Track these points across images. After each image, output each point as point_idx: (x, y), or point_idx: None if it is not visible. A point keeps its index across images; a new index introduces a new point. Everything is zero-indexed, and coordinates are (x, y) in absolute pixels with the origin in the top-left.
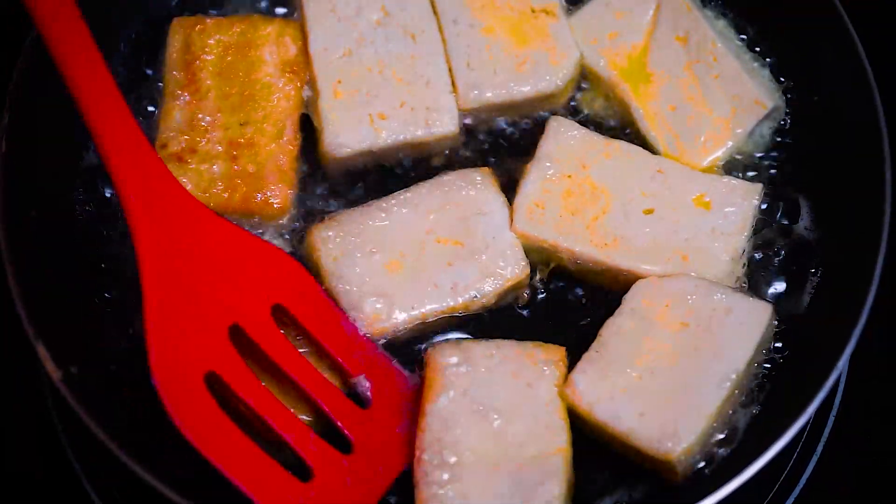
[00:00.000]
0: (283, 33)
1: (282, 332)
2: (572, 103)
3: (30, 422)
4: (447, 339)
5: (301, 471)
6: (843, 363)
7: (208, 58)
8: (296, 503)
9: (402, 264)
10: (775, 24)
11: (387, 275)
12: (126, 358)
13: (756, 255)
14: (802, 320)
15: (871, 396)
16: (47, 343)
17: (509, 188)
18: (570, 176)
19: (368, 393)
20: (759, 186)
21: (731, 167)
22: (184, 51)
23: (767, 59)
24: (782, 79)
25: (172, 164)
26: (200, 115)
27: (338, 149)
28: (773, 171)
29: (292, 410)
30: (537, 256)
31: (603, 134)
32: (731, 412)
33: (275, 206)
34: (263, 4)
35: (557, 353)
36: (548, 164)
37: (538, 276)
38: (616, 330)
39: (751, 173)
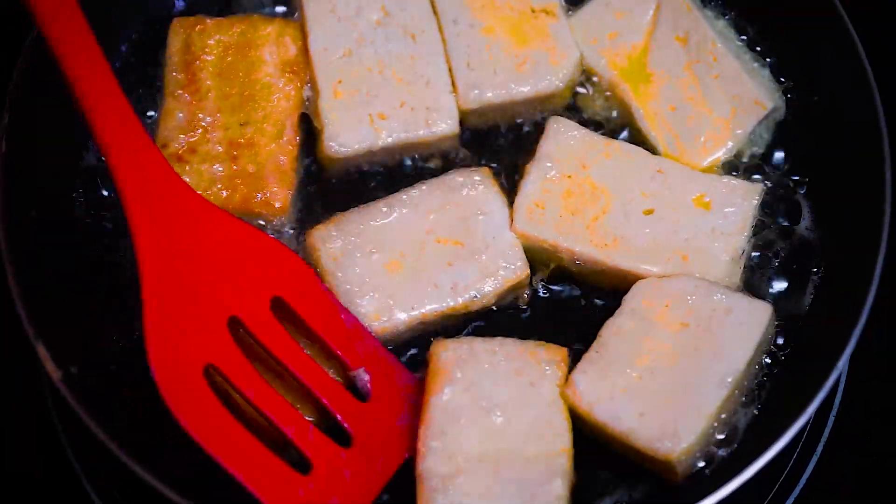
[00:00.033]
0: (283, 33)
1: (281, 325)
2: (572, 103)
3: (30, 422)
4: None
5: (300, 465)
6: (843, 363)
7: (208, 58)
8: (295, 495)
9: (402, 264)
10: (775, 24)
11: (387, 275)
12: (126, 358)
13: (756, 255)
14: (803, 320)
15: (871, 396)
16: (47, 343)
17: (509, 188)
18: (570, 176)
19: (368, 386)
20: (759, 186)
21: (731, 167)
22: (184, 51)
23: (767, 60)
24: (782, 79)
25: (172, 164)
26: (200, 116)
27: (338, 149)
28: (773, 171)
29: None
30: (537, 257)
31: (603, 134)
32: (731, 412)
33: (275, 206)
34: (263, 4)
35: (559, 353)
36: (548, 165)
37: (538, 277)
38: (616, 330)
39: (751, 173)
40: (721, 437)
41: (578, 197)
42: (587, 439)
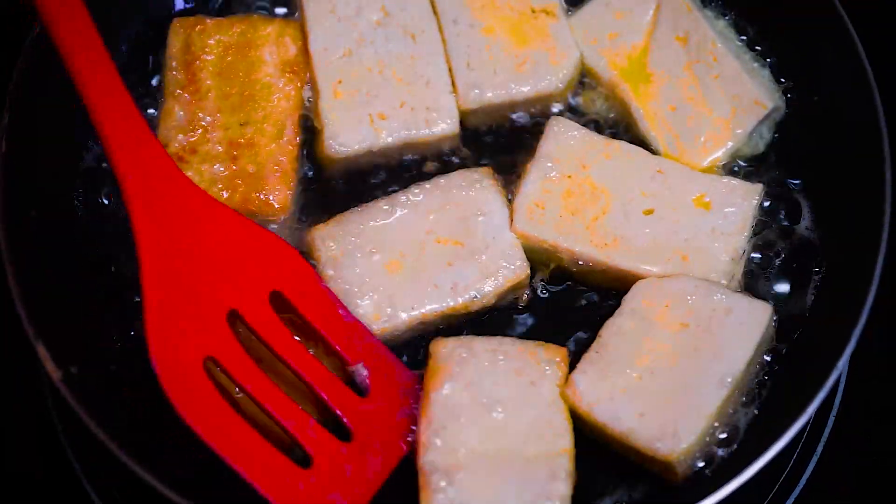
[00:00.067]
0: (283, 33)
1: (279, 319)
2: (572, 103)
3: (30, 422)
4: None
5: (301, 462)
6: (843, 363)
7: (208, 58)
8: (295, 489)
9: (402, 264)
10: (775, 24)
11: (387, 275)
12: (126, 358)
13: (756, 255)
14: (803, 320)
15: (871, 396)
16: (47, 343)
17: (509, 188)
18: (570, 176)
19: (367, 381)
20: (759, 187)
21: (732, 167)
22: (184, 51)
23: (767, 60)
24: (782, 79)
25: None
26: (200, 115)
27: (338, 149)
28: (773, 171)
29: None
30: (537, 257)
31: (603, 134)
32: (731, 412)
33: (275, 206)
34: (263, 4)
35: (559, 353)
36: (548, 165)
37: (538, 277)
38: (616, 330)
39: (751, 173)
40: (721, 437)
41: (578, 197)
42: (587, 439)
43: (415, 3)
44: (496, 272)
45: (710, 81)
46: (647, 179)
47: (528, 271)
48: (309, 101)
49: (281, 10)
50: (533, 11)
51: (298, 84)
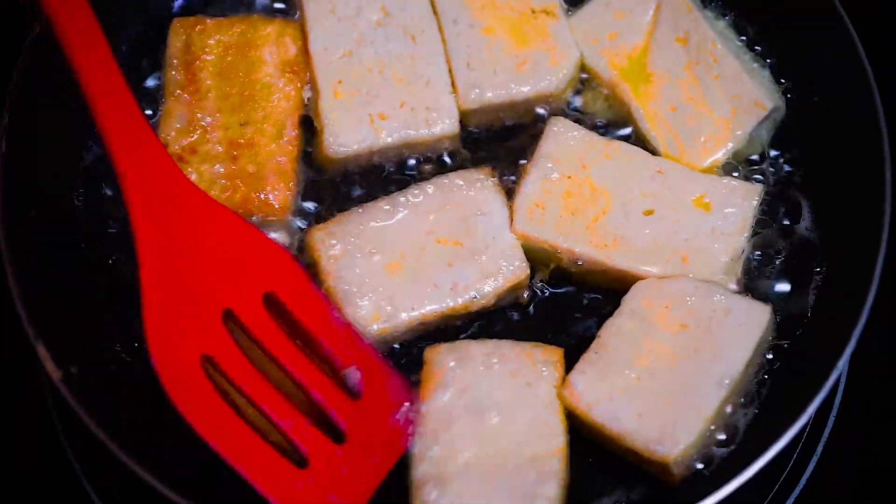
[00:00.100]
0: (283, 33)
1: (273, 319)
2: (572, 103)
3: (30, 422)
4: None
5: (298, 463)
6: (843, 363)
7: (208, 58)
8: (293, 488)
9: (402, 265)
10: (775, 24)
11: (386, 275)
12: (126, 358)
13: (756, 255)
14: (803, 320)
15: (871, 396)
16: (47, 343)
17: (509, 188)
18: (570, 176)
19: (359, 384)
20: (759, 187)
21: (731, 168)
22: (184, 51)
23: (767, 60)
24: (782, 79)
25: None
26: (200, 116)
27: (338, 149)
28: (773, 171)
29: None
30: (537, 257)
31: (603, 134)
32: (729, 412)
33: (275, 206)
34: (263, 5)
35: (555, 353)
36: (548, 165)
37: (538, 277)
38: (615, 331)
39: (751, 174)
40: (721, 437)
41: (578, 197)
42: (585, 440)
43: (415, 4)
44: (496, 272)
45: (710, 82)
46: (647, 180)
47: (528, 271)
48: (309, 101)
49: (281, 11)
50: (533, 11)
51: (298, 84)
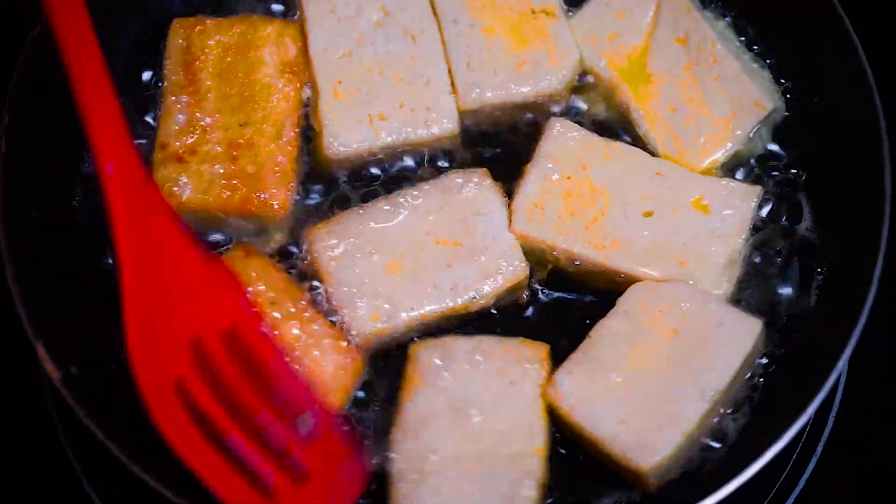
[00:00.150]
0: (282, 34)
1: (234, 355)
2: (572, 104)
3: (30, 422)
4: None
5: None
6: (843, 363)
7: (208, 58)
8: None
9: (402, 265)
10: (775, 25)
11: (386, 276)
12: (126, 358)
13: (756, 256)
14: (802, 320)
15: (871, 397)
16: (47, 343)
17: (509, 189)
18: (569, 177)
19: (313, 431)
20: (758, 189)
21: (731, 168)
22: (184, 51)
23: (767, 61)
24: (782, 80)
25: (172, 164)
26: (200, 116)
27: (337, 149)
28: (773, 172)
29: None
30: (536, 257)
31: (603, 135)
32: (717, 421)
33: (274, 206)
34: (263, 5)
35: (541, 350)
36: (548, 165)
37: (537, 277)
38: (607, 332)
39: (751, 174)
40: (714, 444)
41: (578, 198)
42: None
43: (415, 4)
44: (495, 273)
45: (710, 82)
46: (647, 181)
47: (528, 272)
48: (308, 101)
49: (281, 11)
50: (533, 12)
51: (298, 84)
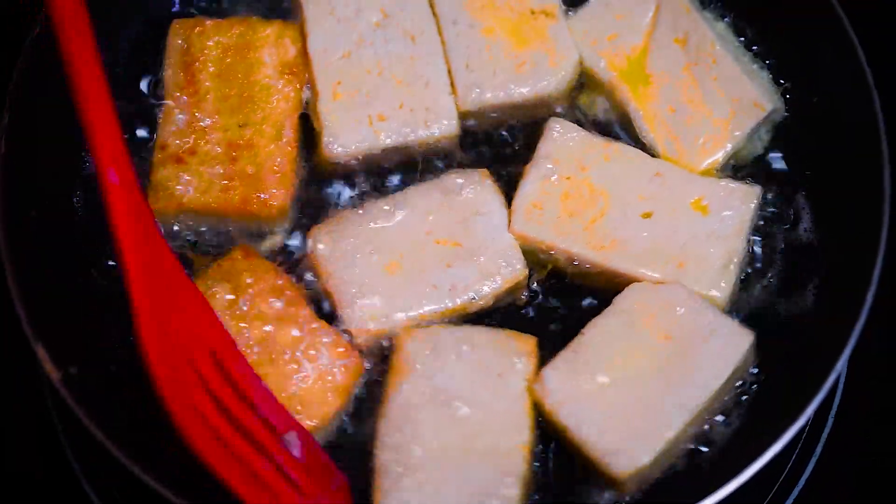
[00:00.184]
0: (282, 35)
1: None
2: (571, 105)
3: (30, 422)
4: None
5: None
6: (842, 364)
7: (208, 59)
8: None
9: (401, 265)
10: (774, 25)
11: (385, 276)
12: (126, 358)
13: (756, 256)
14: (802, 321)
15: (870, 397)
16: (47, 344)
17: (508, 189)
18: (569, 178)
19: (300, 451)
20: (757, 190)
21: (731, 169)
22: (183, 52)
23: (767, 61)
24: (782, 80)
25: (172, 165)
26: (200, 117)
27: (337, 150)
28: (772, 172)
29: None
30: (535, 258)
31: (602, 136)
32: (707, 428)
33: (273, 207)
34: (263, 6)
35: (528, 343)
36: (547, 166)
37: (535, 278)
38: (599, 331)
39: (750, 175)
40: (720, 438)
41: (577, 199)
42: None
43: (414, 5)
44: (495, 273)
45: (710, 83)
46: (646, 182)
47: (527, 272)
48: (308, 102)
49: (280, 12)
50: (532, 13)
51: (297, 85)
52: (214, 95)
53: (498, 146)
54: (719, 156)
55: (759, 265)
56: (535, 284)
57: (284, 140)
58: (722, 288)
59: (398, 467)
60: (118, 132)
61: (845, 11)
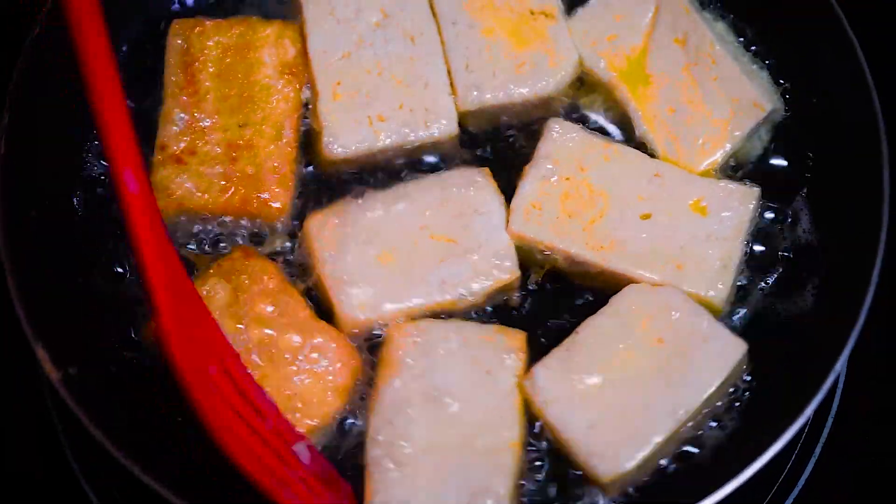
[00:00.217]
0: (282, 35)
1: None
2: (571, 105)
3: (30, 422)
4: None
5: None
6: (841, 364)
7: (207, 60)
8: None
9: (394, 257)
10: (774, 26)
11: (378, 266)
12: (126, 358)
13: (755, 257)
14: (801, 321)
15: (869, 397)
16: (46, 344)
17: (508, 190)
18: (568, 178)
19: (309, 461)
20: (756, 190)
21: (730, 169)
22: (183, 52)
23: (766, 61)
24: (781, 81)
25: (171, 165)
26: (199, 117)
27: (336, 150)
28: (771, 172)
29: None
30: (533, 258)
31: (602, 136)
32: (682, 439)
33: (273, 207)
34: (263, 6)
35: (518, 339)
36: (547, 166)
37: (533, 279)
38: (593, 330)
39: (749, 175)
40: (719, 438)
41: (576, 199)
42: None
43: (414, 5)
44: (487, 272)
45: (709, 83)
46: (645, 182)
47: (519, 273)
48: (308, 102)
49: (280, 13)
50: (532, 13)
51: (297, 86)
52: (214, 95)
53: (497, 146)
54: (719, 156)
55: (758, 266)
56: (533, 284)
57: (284, 140)
58: (720, 289)
59: (389, 463)
60: (135, 142)
61: (845, 11)
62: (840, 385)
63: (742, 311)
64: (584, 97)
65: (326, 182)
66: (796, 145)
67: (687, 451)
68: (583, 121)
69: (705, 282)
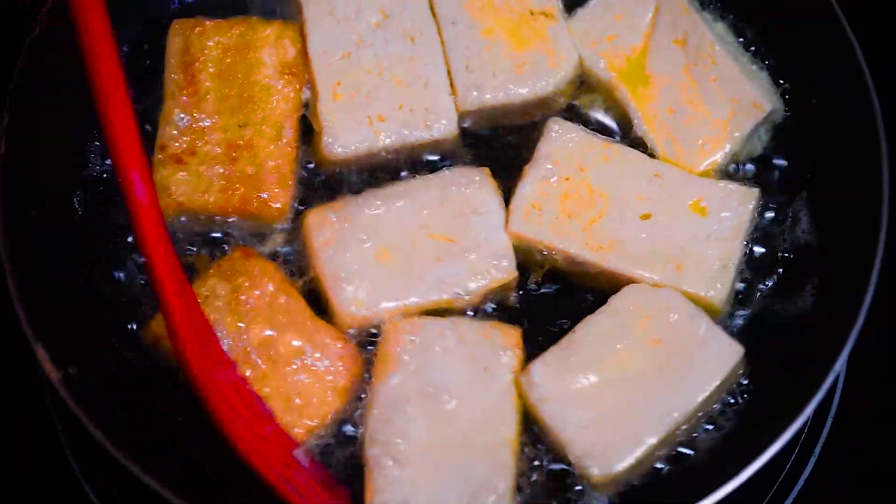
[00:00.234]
0: (282, 35)
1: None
2: (571, 105)
3: (30, 422)
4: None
5: None
6: (841, 364)
7: (207, 60)
8: None
9: (392, 255)
10: (774, 26)
11: (375, 264)
12: (126, 358)
13: (755, 257)
14: (801, 321)
15: (869, 397)
16: (46, 344)
17: (507, 190)
18: (567, 178)
19: (309, 468)
20: (755, 191)
21: (730, 170)
22: (183, 53)
23: (766, 62)
24: (781, 81)
25: (171, 165)
26: (199, 117)
27: (336, 150)
28: (771, 173)
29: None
30: (532, 258)
31: (601, 136)
32: (694, 436)
33: (273, 207)
34: (263, 6)
35: (514, 336)
36: (546, 167)
37: (532, 278)
38: (592, 329)
39: (749, 176)
40: (719, 438)
41: (576, 199)
42: None
43: (414, 5)
44: (484, 272)
45: (709, 84)
46: (645, 183)
47: (516, 274)
48: (308, 102)
49: (280, 13)
50: (532, 13)
51: (297, 86)
52: (214, 96)
53: (497, 146)
54: (718, 156)
55: (757, 266)
56: (533, 284)
57: (284, 140)
58: (719, 289)
59: (389, 461)
60: (142, 150)
61: (844, 12)
62: (839, 385)
63: (742, 312)
64: (583, 97)
65: (326, 182)
66: (796, 145)
67: (682, 454)
68: (583, 121)
69: (705, 282)
